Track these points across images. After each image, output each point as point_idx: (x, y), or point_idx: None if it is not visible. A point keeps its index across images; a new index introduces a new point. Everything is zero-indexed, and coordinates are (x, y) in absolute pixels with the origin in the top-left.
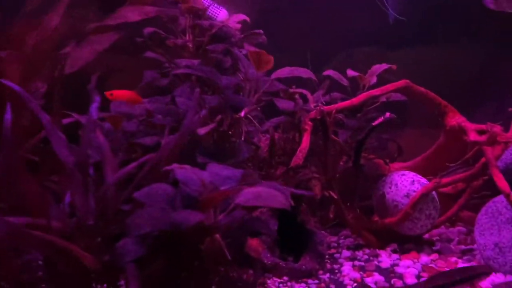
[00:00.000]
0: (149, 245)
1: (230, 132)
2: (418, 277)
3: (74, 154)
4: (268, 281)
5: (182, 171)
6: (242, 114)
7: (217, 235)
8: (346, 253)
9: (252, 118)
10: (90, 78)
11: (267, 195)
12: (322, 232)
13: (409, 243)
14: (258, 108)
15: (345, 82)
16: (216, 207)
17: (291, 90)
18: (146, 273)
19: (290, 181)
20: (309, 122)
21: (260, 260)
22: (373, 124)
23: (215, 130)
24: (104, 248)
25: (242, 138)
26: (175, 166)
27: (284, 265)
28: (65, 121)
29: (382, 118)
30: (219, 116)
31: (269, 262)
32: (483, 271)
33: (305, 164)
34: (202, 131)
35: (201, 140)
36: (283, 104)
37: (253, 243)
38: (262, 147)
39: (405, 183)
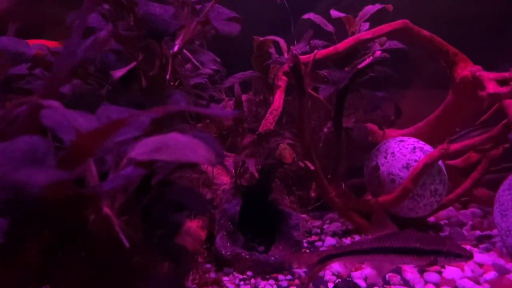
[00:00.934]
0: (15, 225)
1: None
2: (421, 270)
3: None
4: (226, 279)
5: (50, 113)
6: (175, 48)
7: (106, 209)
8: (330, 240)
9: (196, 63)
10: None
11: (178, 145)
12: (302, 215)
13: (410, 228)
14: (215, 56)
15: (329, 28)
16: (110, 167)
17: (261, 39)
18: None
19: (258, 151)
20: (283, 77)
21: (194, 250)
22: (360, 66)
23: (144, 74)
24: None
25: (167, 77)
26: (33, 99)
27: (247, 256)
28: None
29: (371, 57)
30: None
31: (228, 253)
32: (455, 252)
33: (278, 129)
34: (117, 73)
35: (126, 88)
36: (225, 26)
37: (193, 225)
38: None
39: (404, 151)
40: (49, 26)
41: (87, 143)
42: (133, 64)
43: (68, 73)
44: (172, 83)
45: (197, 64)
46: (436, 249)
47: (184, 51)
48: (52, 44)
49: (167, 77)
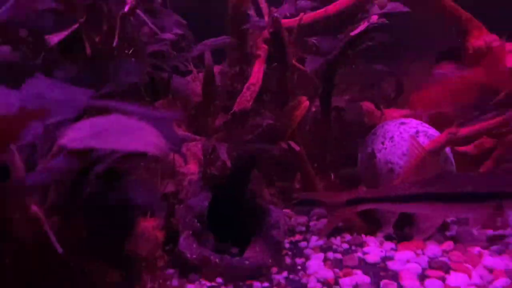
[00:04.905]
0: None
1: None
2: (422, 276)
3: None
4: (190, 286)
5: None
6: (126, 7)
7: (33, 207)
8: (316, 240)
9: (152, 25)
10: None
11: (122, 130)
12: (284, 210)
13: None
14: (180, 19)
15: None
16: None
17: None
18: None
19: (233, 134)
20: (263, 46)
21: (150, 254)
22: (352, 33)
23: (88, 40)
24: None
25: (114, 44)
26: None
27: (217, 260)
28: None
29: (367, 22)
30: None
31: (194, 257)
32: None
33: (257, 108)
34: (54, 38)
35: (66, 57)
36: None
37: (148, 226)
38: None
39: (405, 136)
40: None
41: (5, 127)
42: (74, 27)
43: None
44: (126, 51)
45: (153, 27)
46: (499, 191)
47: (138, 11)
48: None
49: (114, 43)
